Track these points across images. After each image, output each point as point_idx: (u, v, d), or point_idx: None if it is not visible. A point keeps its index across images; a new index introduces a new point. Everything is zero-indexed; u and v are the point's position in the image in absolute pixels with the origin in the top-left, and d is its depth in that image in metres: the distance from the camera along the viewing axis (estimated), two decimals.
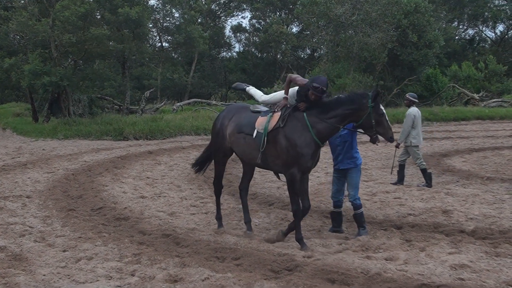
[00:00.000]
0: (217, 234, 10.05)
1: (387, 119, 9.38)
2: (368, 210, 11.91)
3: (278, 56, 66.44)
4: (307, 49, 66.41)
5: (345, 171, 10.19)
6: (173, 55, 64.51)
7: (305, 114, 9.28)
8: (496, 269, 7.90)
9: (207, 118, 34.93)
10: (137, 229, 10.41)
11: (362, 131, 9.50)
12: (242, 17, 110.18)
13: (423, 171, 14.97)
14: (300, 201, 9.42)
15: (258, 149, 9.47)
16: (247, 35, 72.31)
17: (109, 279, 7.57)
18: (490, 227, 10.24)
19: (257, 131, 9.55)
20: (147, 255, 8.61)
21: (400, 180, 15.14)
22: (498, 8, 76.91)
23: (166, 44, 62.99)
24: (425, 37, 48.39)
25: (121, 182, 15.72)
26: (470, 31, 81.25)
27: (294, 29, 68.72)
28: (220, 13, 71.14)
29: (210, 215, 11.67)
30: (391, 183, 15.15)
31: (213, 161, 10.96)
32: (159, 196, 13.78)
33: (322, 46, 51.56)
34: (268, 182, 15.63)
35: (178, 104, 46.13)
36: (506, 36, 79.45)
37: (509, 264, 8.16)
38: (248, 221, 10.44)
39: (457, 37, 77.44)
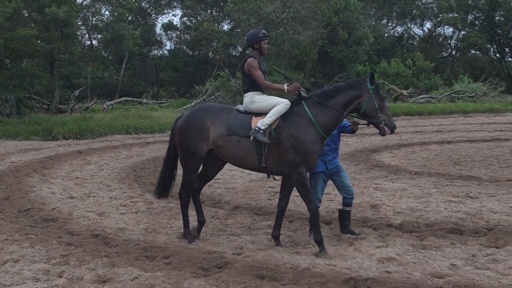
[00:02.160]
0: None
1: (387, 106, 9.18)
2: (298, 206, 12.01)
3: (210, 54, 66.48)
4: (238, 46, 66.45)
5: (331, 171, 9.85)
6: (103, 53, 63.77)
7: (306, 107, 8.94)
8: (422, 262, 8.09)
9: (137, 117, 34.65)
10: (65, 230, 10.23)
11: (367, 121, 9.11)
12: (173, 15, 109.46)
13: None
14: (281, 198, 9.31)
15: (255, 152, 8.90)
16: (178, 33, 72.07)
17: (36, 281, 7.44)
18: (417, 221, 10.45)
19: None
20: (75, 256, 8.47)
21: None
22: (426, 6, 78.76)
23: (96, 43, 62.31)
24: (354, 34, 49.00)
25: (49, 182, 15.44)
26: (399, 29, 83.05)
27: (225, 27, 68.87)
28: (151, 10, 70.66)
29: (140, 215, 11.59)
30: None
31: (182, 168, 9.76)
32: (88, 196, 13.56)
33: None
34: None
35: (109, 103, 45.67)
36: (434, 33, 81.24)
37: (434, 256, 8.36)
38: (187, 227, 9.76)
39: (386, 35, 78.91)
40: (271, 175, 9.42)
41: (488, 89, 53.59)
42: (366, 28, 55.15)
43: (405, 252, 8.61)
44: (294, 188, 9.22)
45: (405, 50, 76.48)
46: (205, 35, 59.60)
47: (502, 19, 72.71)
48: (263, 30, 9.42)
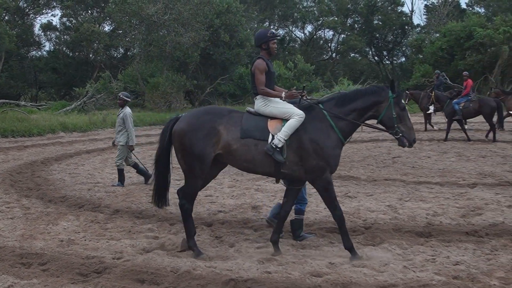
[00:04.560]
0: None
1: (410, 117, 8.87)
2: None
3: (90, 55, 65.33)
4: (120, 48, 65.70)
5: None
6: None
7: (324, 111, 8.68)
8: (301, 261, 8.20)
9: (15, 119, 33.52)
10: None
11: (384, 129, 8.87)
12: (52, 15, 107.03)
13: (120, 171, 15.24)
14: (284, 204, 8.96)
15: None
16: (57, 33, 70.43)
17: None
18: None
19: (272, 136, 8.51)
20: None
21: (148, 178, 15.27)
22: (307, 9, 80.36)
23: None
24: (237, 36, 49.39)
25: None
26: (281, 31, 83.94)
27: (107, 28, 67.85)
28: (29, 10, 68.72)
29: (16, 220, 11.18)
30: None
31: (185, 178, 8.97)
32: None
33: (135, 45, 51.21)
34: (78, 184, 15.27)
35: None
36: (315, 36, 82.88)
37: (313, 255, 8.50)
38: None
39: None
40: (281, 181, 9.16)
41: None
42: (248, 30, 55.65)
43: (285, 252, 8.70)
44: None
45: (286, 52, 77.62)
46: (85, 36, 58.50)
47: (380, 23, 75.14)
48: (272, 30, 9.22)
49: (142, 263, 8.13)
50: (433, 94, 27.95)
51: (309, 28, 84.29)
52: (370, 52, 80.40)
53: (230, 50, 49.29)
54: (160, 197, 9.38)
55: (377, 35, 76.94)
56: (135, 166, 15.46)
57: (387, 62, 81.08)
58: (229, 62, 49.96)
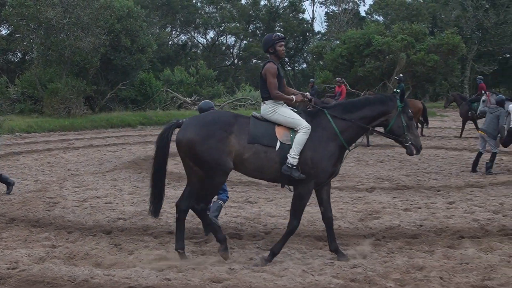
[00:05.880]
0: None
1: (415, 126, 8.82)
2: (78, 216, 11.72)
3: None
4: (17, 52, 64.04)
5: None
6: None
7: (329, 117, 8.67)
8: (201, 267, 8.20)
9: None
10: None
11: (393, 138, 8.93)
12: None
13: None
14: (324, 211, 8.87)
15: (280, 162, 8.39)
16: None
17: None
18: (198, 227, 10.59)
19: (280, 142, 8.46)
20: None
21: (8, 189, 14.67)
22: (209, 15, 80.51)
23: None
24: (138, 42, 48.87)
25: None
26: (183, 37, 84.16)
27: (3, 31, 66.03)
28: None
29: None
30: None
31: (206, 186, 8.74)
32: None
33: (33, 50, 49.97)
34: None
35: None
36: (217, 42, 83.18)
37: (213, 261, 8.51)
38: (180, 247, 8.79)
39: (170, 43, 79.51)
40: (286, 186, 8.94)
41: None
42: (150, 35, 55.25)
43: (185, 259, 8.66)
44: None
45: (189, 58, 77.65)
46: None
47: (282, 29, 76.01)
48: (278, 33, 9.03)
49: (38, 273, 7.93)
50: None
51: (211, 34, 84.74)
52: None
53: (131, 55, 48.71)
54: (156, 207, 9.04)
55: None
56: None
57: (288, 68, 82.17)
58: (130, 67, 49.33)
